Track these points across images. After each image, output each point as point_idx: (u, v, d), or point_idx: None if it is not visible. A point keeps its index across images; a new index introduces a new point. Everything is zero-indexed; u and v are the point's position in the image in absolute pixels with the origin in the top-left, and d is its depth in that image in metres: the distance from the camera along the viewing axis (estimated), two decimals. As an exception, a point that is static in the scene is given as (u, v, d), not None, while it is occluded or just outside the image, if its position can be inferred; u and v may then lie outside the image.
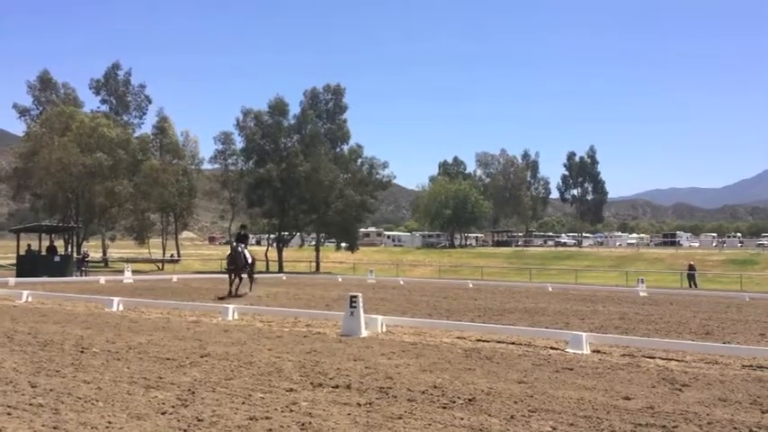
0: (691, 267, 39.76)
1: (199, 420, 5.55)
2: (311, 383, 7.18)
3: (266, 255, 54.02)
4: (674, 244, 79.49)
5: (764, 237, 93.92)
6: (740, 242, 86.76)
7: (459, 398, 6.59)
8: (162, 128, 57.54)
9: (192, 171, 59.56)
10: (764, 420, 5.93)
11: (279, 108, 53.12)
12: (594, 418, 5.89)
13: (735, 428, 5.63)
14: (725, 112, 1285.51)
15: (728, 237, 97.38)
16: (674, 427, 5.64)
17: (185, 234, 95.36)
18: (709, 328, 14.16)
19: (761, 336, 12.92)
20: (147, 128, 59.59)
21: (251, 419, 5.60)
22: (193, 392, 6.60)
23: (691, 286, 37.37)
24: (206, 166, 61.60)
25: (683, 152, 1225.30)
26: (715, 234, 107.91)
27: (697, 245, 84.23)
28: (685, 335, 12.71)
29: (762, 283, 39.67)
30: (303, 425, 5.47)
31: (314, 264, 54.29)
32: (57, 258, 32.98)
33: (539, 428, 5.54)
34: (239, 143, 54.38)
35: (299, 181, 50.40)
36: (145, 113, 61.16)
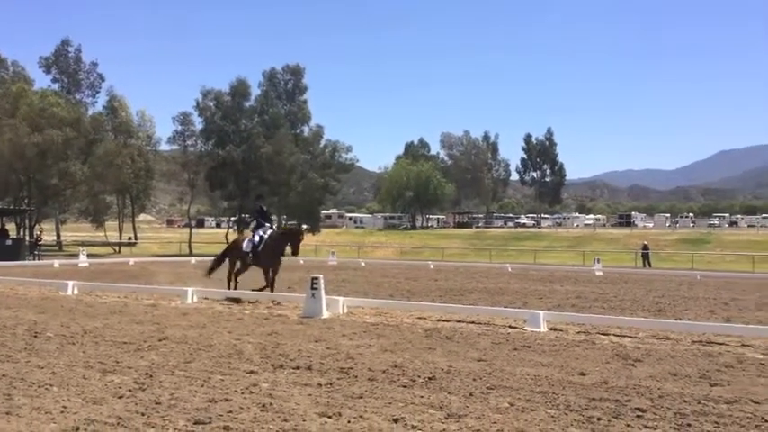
0: (645, 247, 40.80)
1: (157, 403, 5.49)
2: (272, 365, 7.15)
3: (227, 237, 53.45)
4: (629, 224, 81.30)
5: (715, 217, 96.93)
6: (692, 222, 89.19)
7: (419, 377, 6.66)
8: (113, 107, 55.99)
9: (149, 152, 58.28)
10: (712, 393, 6.15)
11: (240, 89, 52.37)
12: (550, 394, 6.02)
13: (684, 401, 5.82)
14: (679, 96, 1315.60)
15: (681, 217, 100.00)
16: (626, 400, 5.80)
17: (143, 217, 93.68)
18: (662, 305, 14.58)
19: (710, 312, 13.37)
20: (100, 107, 58.05)
21: (210, 402, 5.56)
22: (151, 376, 6.51)
23: (645, 265, 38.38)
24: (164, 147, 60.39)
25: (639, 135, 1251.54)
26: (668, 215, 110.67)
27: (651, 225, 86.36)
28: (639, 312, 13.07)
29: (712, 261, 40.99)
30: (263, 406, 5.46)
31: (275, 246, 53.89)
32: (8, 242, 32.09)
33: (496, 405, 5.64)
34: (199, 124, 53.47)
35: (260, 163, 49.88)
36: (98, 92, 59.44)
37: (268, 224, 15.09)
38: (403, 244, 60.79)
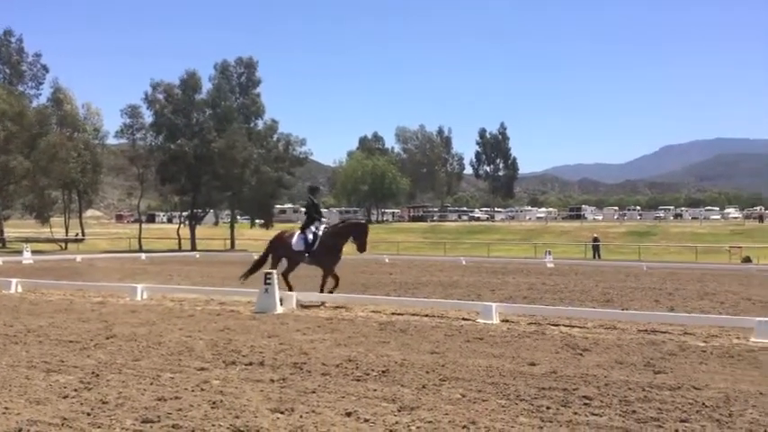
0: (595, 239, 41.81)
1: (103, 403, 5.36)
2: (223, 362, 7.06)
3: (178, 233, 52.50)
4: (579, 217, 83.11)
5: (661, 210, 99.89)
6: (639, 215, 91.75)
7: (372, 370, 6.67)
8: (58, 99, 54.15)
9: (96, 145, 56.62)
10: (656, 380, 6.34)
11: (191, 82, 51.31)
12: (501, 384, 6.12)
13: (629, 389, 5.99)
14: (628, 91, 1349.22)
15: (629, 210, 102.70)
16: (574, 389, 5.94)
17: (90, 212, 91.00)
18: (610, 296, 14.97)
19: (655, 302, 13.78)
20: (44, 99, 56.05)
21: (159, 400, 5.46)
22: (98, 375, 6.35)
23: (594, 257, 39.32)
24: (112, 140, 58.73)
25: (590, 129, 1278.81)
26: (617, 208, 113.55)
27: (600, 218, 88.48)
28: (588, 303, 13.38)
29: (658, 252, 42.25)
30: (214, 403, 5.39)
31: (229, 241, 53.23)
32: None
33: (449, 396, 5.69)
34: (148, 117, 52.21)
35: (212, 157, 49.06)
36: (41, 83, 57.34)
37: (322, 219, 13.53)
38: (358, 238, 60.70)
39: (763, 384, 6.20)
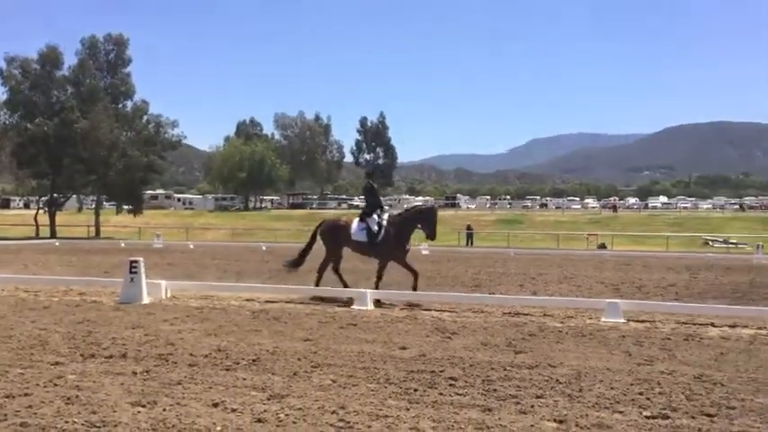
0: (469, 227, 43.54)
1: (-62, 405, 4.87)
2: (81, 355, 6.64)
3: (36, 219, 48.74)
4: (454, 206, 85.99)
5: (528, 199, 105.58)
6: (509, 204, 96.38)
7: (243, 359, 6.54)
8: None
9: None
10: (517, 360, 6.71)
11: (50, 57, 47.54)
12: (372, 369, 6.21)
13: (492, 368, 6.29)
14: (501, 84, 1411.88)
15: (500, 199, 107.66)
16: (441, 371, 6.15)
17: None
18: (479, 281, 15.64)
19: (520, 286, 14.58)
20: None
21: (7, 397, 5.05)
22: (-67, 374, 5.76)
23: (468, 244, 40.95)
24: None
25: (465, 121, 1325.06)
26: (489, 197, 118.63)
27: (474, 207, 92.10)
28: (458, 288, 13.91)
29: (525, 240, 44.70)
30: (69, 399, 5.06)
31: (93, 228, 50.15)
32: None
33: (320, 382, 5.70)
34: (2, 94, 47.87)
35: (75, 139, 45.84)
36: None
37: (384, 206, 12.42)
38: (235, 226, 59.31)
39: (611, 361, 6.74)
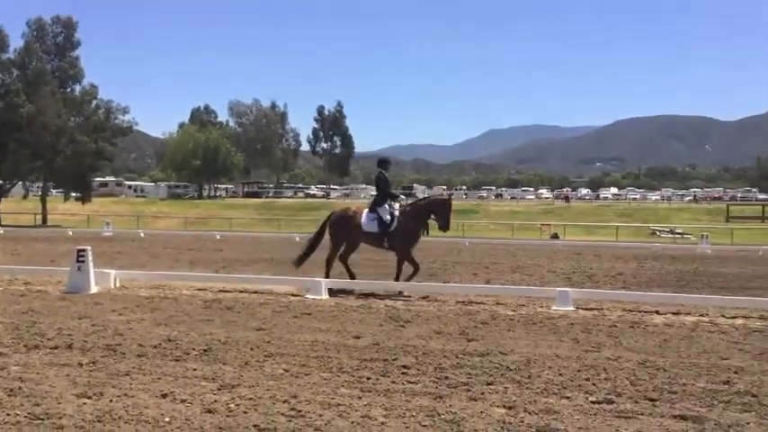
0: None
1: None
2: (25, 346, 6.45)
3: (-21, 207, 46.99)
4: (410, 196, 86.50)
5: (484, 190, 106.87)
6: (465, 194, 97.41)
7: (193, 349, 6.45)
8: None
9: None
10: (469, 348, 6.79)
11: (-7, 38, 45.81)
12: (325, 358, 6.21)
13: (444, 356, 6.35)
14: (458, 75, 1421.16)
15: (456, 189, 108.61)
16: (394, 359, 6.18)
17: None
18: (433, 270, 15.75)
19: (473, 275, 14.76)
20: None
21: (-57, 392, 4.86)
22: None
23: (424, 233, 41.16)
24: None
25: (422, 111, 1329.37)
26: (445, 187, 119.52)
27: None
28: (413, 277, 13.93)
29: (480, 230, 45.23)
30: (11, 390, 4.91)
31: (40, 216, 48.65)
32: None
33: (272, 372, 5.67)
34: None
35: (20, 123, 44.29)
36: None
37: (399, 196, 12.18)
38: (188, 214, 58.32)
39: (560, 348, 6.89)
